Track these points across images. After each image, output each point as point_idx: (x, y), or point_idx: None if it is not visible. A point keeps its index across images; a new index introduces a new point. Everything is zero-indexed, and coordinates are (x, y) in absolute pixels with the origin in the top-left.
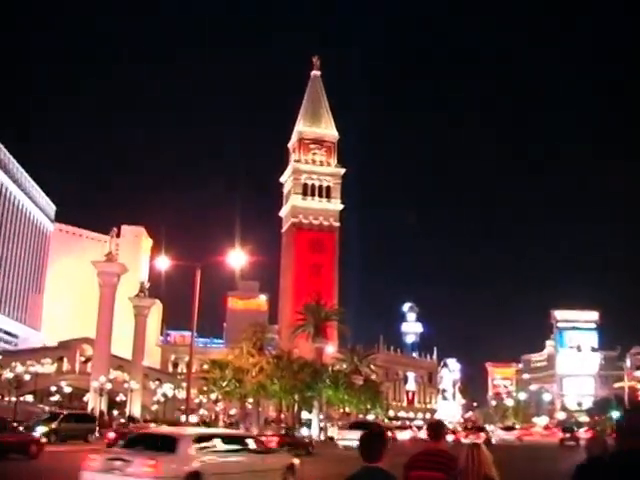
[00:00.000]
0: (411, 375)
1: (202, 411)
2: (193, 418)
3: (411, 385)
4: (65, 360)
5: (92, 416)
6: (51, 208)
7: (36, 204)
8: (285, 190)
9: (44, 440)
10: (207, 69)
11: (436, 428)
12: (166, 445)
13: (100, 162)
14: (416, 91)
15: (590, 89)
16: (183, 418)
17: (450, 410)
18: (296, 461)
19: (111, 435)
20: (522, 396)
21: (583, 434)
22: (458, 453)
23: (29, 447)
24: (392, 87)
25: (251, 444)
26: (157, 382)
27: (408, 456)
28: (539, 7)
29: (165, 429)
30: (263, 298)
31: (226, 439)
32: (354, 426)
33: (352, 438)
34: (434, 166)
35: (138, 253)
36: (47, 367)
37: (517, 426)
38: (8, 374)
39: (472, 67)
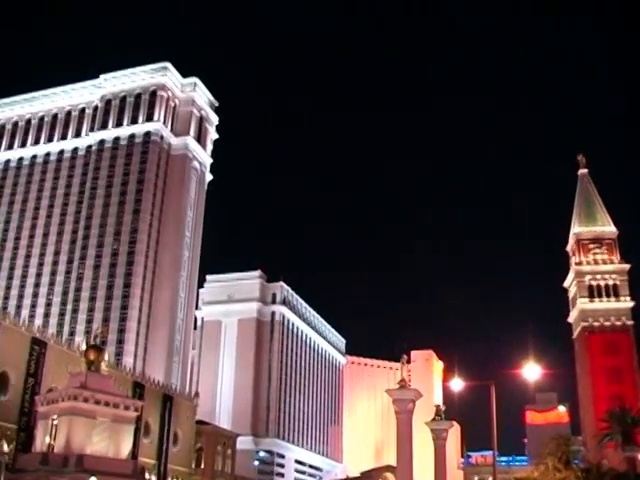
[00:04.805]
0: None
1: None
2: None
3: None
4: None
5: None
6: (341, 342)
7: (329, 341)
8: (570, 295)
9: None
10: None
11: None
12: None
13: (377, 290)
14: None
15: None
16: None
17: None
18: None
19: None
20: None
21: None
22: None
23: None
24: None
25: None
26: None
27: None
28: None
29: None
30: (563, 409)
31: None
32: None
33: None
34: None
35: (430, 376)
36: None
37: None
38: None
39: None
